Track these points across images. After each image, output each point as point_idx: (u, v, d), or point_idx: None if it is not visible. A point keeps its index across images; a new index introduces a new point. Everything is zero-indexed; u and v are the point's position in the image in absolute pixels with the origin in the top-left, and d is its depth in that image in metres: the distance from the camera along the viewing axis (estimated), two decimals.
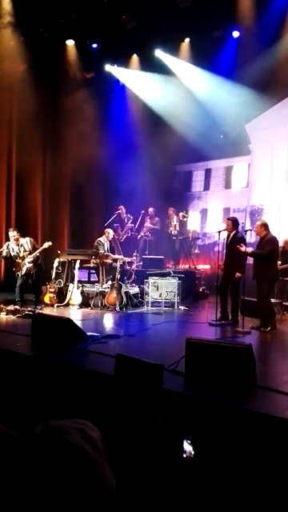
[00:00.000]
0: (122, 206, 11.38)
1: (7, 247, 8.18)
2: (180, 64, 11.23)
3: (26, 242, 8.25)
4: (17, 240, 8.15)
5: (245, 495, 2.82)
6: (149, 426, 3.05)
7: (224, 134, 12.28)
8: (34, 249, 8.25)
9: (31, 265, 8.16)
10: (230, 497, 2.82)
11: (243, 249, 6.74)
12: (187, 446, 3.00)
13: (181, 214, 11.54)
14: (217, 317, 7.15)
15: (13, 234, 8.18)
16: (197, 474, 2.95)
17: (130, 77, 12.07)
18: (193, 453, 2.96)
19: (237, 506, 2.77)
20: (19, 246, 8.18)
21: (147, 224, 11.36)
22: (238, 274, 6.89)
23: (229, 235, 7.30)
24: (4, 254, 8.15)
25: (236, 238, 7.07)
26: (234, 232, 7.22)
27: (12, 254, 8.17)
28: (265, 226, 6.75)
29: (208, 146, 12.03)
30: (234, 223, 7.29)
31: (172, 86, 11.56)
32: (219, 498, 2.80)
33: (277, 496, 2.77)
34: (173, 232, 11.37)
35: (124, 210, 11.39)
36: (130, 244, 11.10)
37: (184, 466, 2.96)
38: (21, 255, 8.14)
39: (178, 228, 11.42)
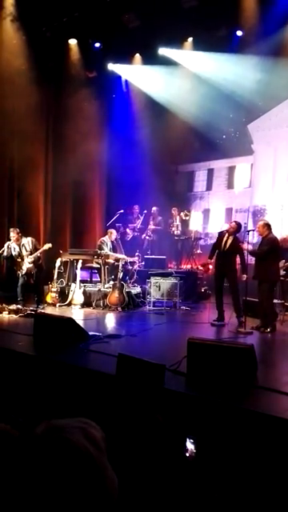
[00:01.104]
0: (137, 206, 11.55)
1: (8, 247, 8.19)
2: (184, 55, 11.07)
3: (28, 242, 8.26)
4: (17, 240, 8.16)
5: (246, 494, 2.82)
6: (150, 425, 3.05)
7: (226, 134, 12.27)
8: (36, 249, 8.26)
9: (31, 265, 8.16)
10: (232, 495, 2.81)
11: (245, 246, 6.81)
12: (189, 445, 3.00)
13: (182, 213, 11.54)
14: (218, 317, 7.16)
15: (13, 233, 8.19)
16: (199, 473, 2.95)
17: (133, 72, 12.00)
18: (195, 451, 2.96)
19: (238, 505, 2.77)
20: (20, 245, 8.18)
21: (151, 226, 11.39)
22: (244, 277, 6.91)
23: (227, 237, 7.26)
24: (5, 253, 8.16)
25: (237, 243, 7.14)
26: (233, 236, 7.21)
27: (13, 253, 8.17)
28: (267, 225, 6.73)
29: (210, 146, 12.02)
30: (238, 227, 7.29)
31: (175, 79, 11.44)
32: (221, 496, 2.80)
33: (278, 495, 2.76)
34: (175, 232, 11.37)
35: (138, 210, 11.48)
36: (132, 244, 11.12)
37: (186, 465, 2.96)
38: (22, 254, 8.16)
39: (180, 228, 11.42)
